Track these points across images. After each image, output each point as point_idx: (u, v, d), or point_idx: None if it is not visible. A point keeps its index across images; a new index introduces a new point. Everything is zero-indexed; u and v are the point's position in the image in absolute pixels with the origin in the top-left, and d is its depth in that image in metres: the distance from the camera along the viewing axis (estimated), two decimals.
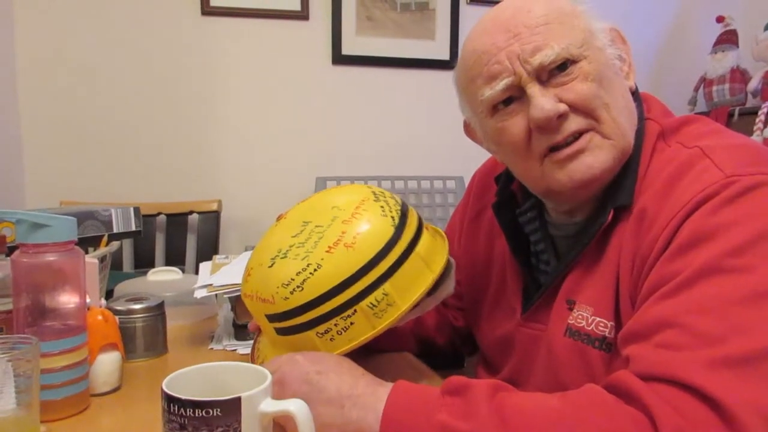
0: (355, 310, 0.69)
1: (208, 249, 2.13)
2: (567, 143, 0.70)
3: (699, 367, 0.52)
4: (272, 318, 0.72)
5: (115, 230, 1.12)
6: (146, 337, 0.89)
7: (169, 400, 0.49)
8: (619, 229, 0.70)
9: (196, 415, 0.48)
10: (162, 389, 0.50)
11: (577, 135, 0.70)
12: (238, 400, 0.49)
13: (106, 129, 2.16)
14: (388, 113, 2.41)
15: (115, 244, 1.11)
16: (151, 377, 0.83)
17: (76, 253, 0.70)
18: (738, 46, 2.39)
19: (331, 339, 0.70)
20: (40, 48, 2.08)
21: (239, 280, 0.82)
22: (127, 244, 2.14)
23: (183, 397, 0.49)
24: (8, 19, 2.03)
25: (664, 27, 2.71)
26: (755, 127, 2.11)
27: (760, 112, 2.12)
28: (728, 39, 2.40)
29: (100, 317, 0.76)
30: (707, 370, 0.52)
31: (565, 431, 0.53)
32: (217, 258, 1.11)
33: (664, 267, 0.60)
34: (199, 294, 0.92)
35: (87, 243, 1.06)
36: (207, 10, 2.19)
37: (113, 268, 1.24)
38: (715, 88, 2.38)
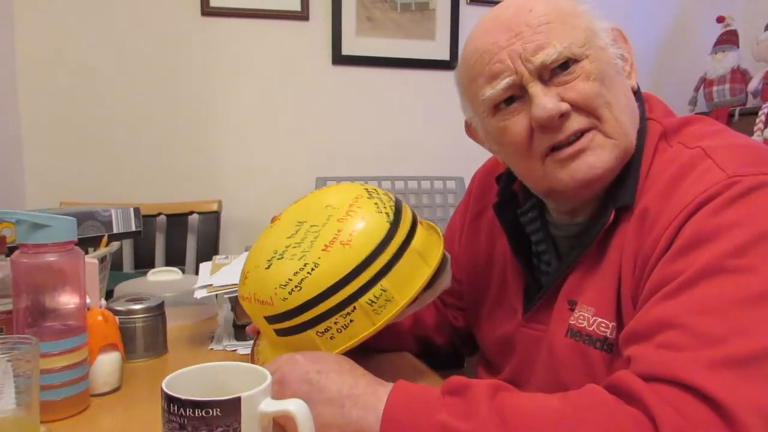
0: (355, 307, 0.69)
1: (208, 249, 2.13)
2: (569, 142, 0.70)
3: (700, 368, 0.52)
4: (271, 319, 0.72)
5: (115, 230, 1.11)
6: (146, 338, 0.89)
7: (169, 400, 0.49)
8: (620, 229, 0.70)
9: (196, 415, 0.48)
10: (162, 389, 0.50)
11: (579, 134, 0.69)
12: (237, 400, 0.49)
13: (106, 129, 2.16)
14: (389, 113, 2.41)
15: (115, 245, 1.11)
16: (151, 377, 0.83)
17: (76, 253, 0.70)
18: (738, 47, 2.39)
19: (331, 337, 0.70)
20: (40, 48, 2.08)
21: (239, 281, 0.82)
22: (127, 245, 2.14)
23: (183, 397, 0.49)
24: (8, 19, 2.03)
25: (665, 27, 2.71)
26: (755, 128, 2.11)
27: (760, 113, 2.11)
28: (728, 39, 2.40)
29: (100, 317, 0.76)
30: (708, 371, 0.52)
31: (565, 431, 0.53)
32: (217, 258, 1.11)
33: (665, 267, 0.60)
34: (199, 294, 0.92)
35: (87, 243, 1.06)
36: (207, 11, 2.19)
37: (113, 268, 1.24)
38: (715, 88, 2.38)
